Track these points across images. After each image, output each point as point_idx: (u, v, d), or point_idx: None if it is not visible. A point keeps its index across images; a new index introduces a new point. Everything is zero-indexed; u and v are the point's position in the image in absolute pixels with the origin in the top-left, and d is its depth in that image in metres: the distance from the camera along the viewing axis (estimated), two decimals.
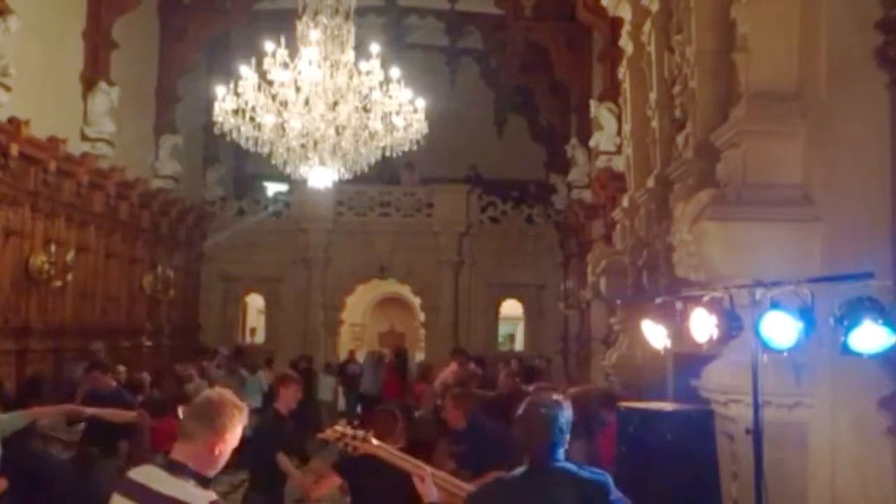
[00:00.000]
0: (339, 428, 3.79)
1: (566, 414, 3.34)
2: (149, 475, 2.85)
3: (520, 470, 3.34)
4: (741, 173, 5.25)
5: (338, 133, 9.77)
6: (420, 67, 16.22)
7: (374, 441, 3.77)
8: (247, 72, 9.41)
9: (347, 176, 10.51)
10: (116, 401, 7.37)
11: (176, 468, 2.82)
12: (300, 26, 9.47)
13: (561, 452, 3.30)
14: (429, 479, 3.64)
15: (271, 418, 6.14)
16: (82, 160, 12.26)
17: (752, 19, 5.37)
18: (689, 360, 5.47)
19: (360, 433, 3.76)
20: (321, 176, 10.26)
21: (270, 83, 9.39)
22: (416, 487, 3.70)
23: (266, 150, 9.97)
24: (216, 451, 2.87)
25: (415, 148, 10.10)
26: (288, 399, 6.06)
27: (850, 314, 3.66)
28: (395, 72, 9.58)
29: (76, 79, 13.12)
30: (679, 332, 4.82)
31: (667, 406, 5.58)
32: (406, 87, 9.73)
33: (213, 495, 2.81)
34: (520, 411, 3.39)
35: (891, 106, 5.01)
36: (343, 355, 18.89)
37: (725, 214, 5.08)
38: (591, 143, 13.80)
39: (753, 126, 5.22)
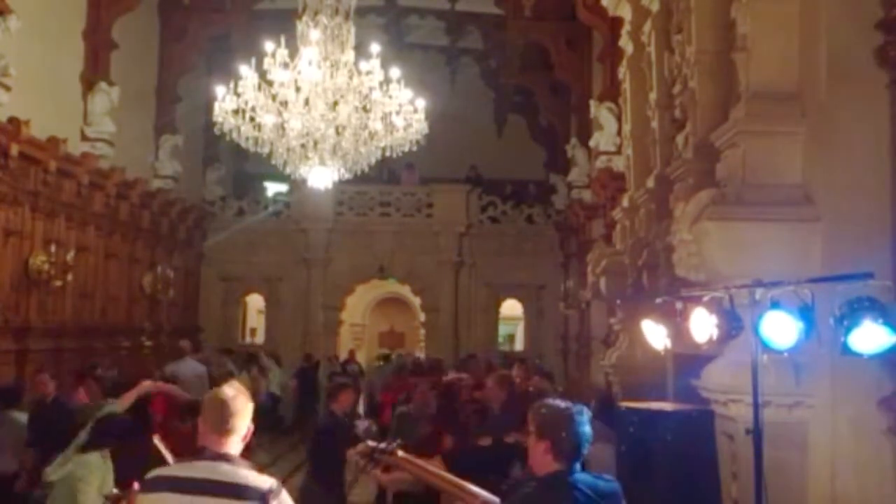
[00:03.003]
0: (370, 443, 3.68)
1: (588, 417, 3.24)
2: (213, 470, 2.97)
3: (543, 480, 3.15)
4: (741, 173, 5.24)
5: (338, 133, 9.76)
6: (420, 67, 16.23)
7: (401, 453, 3.57)
8: (247, 72, 9.40)
9: (347, 176, 10.50)
10: None
11: (234, 460, 3.01)
12: (300, 26, 9.46)
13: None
14: None
15: (329, 418, 7.02)
16: (82, 160, 12.26)
17: (752, 19, 5.36)
18: (689, 360, 5.47)
19: (391, 446, 3.56)
20: (321, 176, 10.25)
21: (270, 83, 9.38)
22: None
23: (266, 150, 9.97)
24: (245, 440, 3.10)
25: (415, 148, 10.10)
26: (344, 403, 7.02)
27: (850, 314, 3.66)
28: (395, 72, 9.57)
29: (76, 79, 13.12)
30: (679, 332, 4.81)
31: (667, 406, 5.58)
32: (406, 87, 9.72)
33: (274, 479, 3.01)
34: (547, 413, 3.21)
35: (891, 106, 5.02)
36: (343, 355, 18.95)
37: (725, 214, 5.08)
38: (591, 143, 13.80)
39: (753, 126, 5.22)
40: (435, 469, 3.39)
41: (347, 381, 8.05)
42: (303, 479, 6.91)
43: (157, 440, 4.58)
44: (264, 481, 2.98)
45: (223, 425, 3.03)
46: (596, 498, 3.10)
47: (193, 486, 2.93)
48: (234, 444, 3.05)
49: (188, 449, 3.23)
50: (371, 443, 3.62)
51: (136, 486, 3.88)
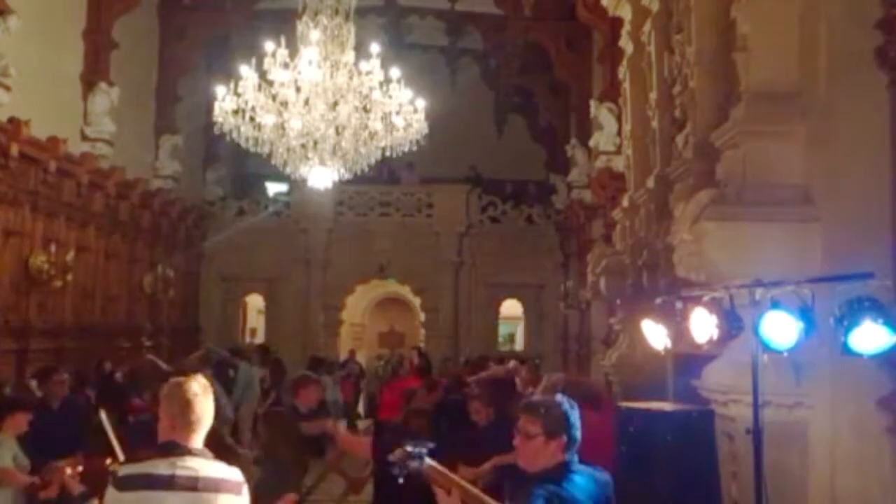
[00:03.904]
0: (408, 448, 3.69)
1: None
2: (189, 466, 2.99)
3: (546, 472, 3.20)
4: (741, 173, 5.25)
5: (338, 133, 9.77)
6: (420, 67, 16.21)
7: (428, 461, 3.56)
8: (247, 72, 9.41)
9: (347, 176, 10.51)
10: None
11: (206, 455, 3.04)
12: (300, 26, 9.46)
13: None
14: (455, 496, 3.23)
15: (291, 415, 6.58)
16: (82, 160, 12.26)
17: (752, 19, 5.37)
18: (689, 360, 5.47)
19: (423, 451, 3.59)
20: (321, 176, 10.26)
21: (270, 83, 9.39)
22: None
23: (266, 150, 9.97)
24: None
25: (415, 148, 10.10)
26: (305, 398, 6.55)
27: (850, 314, 3.65)
28: (395, 72, 9.58)
29: (76, 79, 13.12)
30: (679, 332, 4.81)
31: (667, 406, 5.58)
32: (406, 87, 9.73)
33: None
34: (552, 413, 3.26)
35: (891, 106, 5.01)
36: (343, 355, 18.92)
37: (725, 214, 5.08)
38: (591, 143, 13.81)
39: (753, 126, 5.22)
40: (458, 479, 3.40)
41: (308, 375, 7.40)
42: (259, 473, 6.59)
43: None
44: (235, 473, 3.06)
45: (195, 423, 3.06)
46: (594, 486, 3.24)
47: (173, 482, 2.93)
48: (202, 439, 3.09)
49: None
50: (409, 448, 3.61)
51: (67, 470, 4.02)
